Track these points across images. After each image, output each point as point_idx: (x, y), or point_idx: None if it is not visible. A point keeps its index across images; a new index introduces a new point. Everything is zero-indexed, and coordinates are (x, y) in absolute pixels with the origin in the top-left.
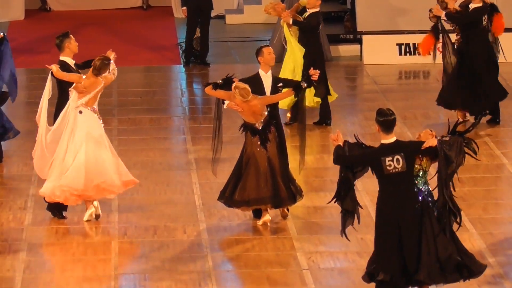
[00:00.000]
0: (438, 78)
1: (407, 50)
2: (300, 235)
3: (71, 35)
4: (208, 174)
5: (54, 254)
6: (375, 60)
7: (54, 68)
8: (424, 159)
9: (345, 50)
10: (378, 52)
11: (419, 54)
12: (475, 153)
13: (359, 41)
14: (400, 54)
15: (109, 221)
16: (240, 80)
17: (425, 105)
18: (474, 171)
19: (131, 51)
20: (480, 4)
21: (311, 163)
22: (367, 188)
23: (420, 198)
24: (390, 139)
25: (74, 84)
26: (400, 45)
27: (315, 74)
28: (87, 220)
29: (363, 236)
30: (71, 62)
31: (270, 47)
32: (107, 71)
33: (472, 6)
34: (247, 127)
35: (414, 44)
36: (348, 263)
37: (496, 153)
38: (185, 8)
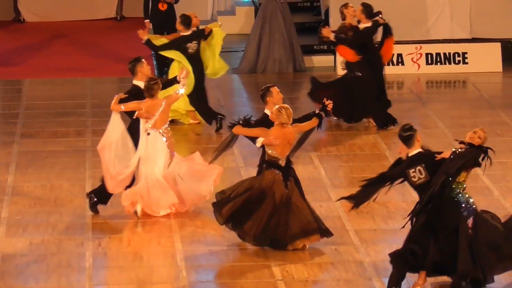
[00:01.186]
0: (412, 88)
1: None
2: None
3: (143, 60)
4: None
5: (28, 265)
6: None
7: (113, 103)
8: None
9: (319, 60)
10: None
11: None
12: (477, 164)
13: (333, 52)
14: None
15: (83, 231)
16: (255, 122)
17: (398, 116)
18: None
19: (105, 62)
20: (369, 24)
21: None
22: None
23: (461, 209)
24: (413, 151)
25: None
26: None
27: (329, 104)
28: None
29: (337, 247)
30: (142, 85)
31: (276, 87)
32: (158, 90)
33: (361, 26)
34: (271, 164)
35: None
36: (322, 273)
37: None
38: (148, 20)
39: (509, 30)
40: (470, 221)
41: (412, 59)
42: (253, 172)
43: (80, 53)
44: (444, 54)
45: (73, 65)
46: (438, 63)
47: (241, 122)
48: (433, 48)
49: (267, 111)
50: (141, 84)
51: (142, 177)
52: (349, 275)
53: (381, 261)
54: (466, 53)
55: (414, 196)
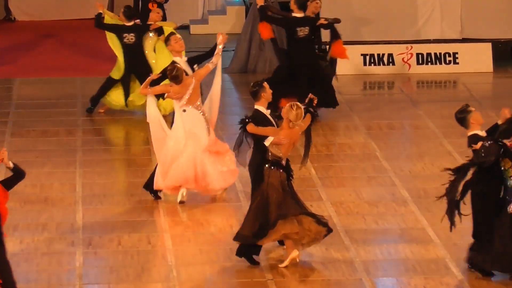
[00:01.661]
0: (403, 88)
1: (372, 61)
2: (265, 245)
3: (171, 37)
4: None
5: (19, 264)
6: (339, 70)
7: (142, 86)
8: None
9: None
10: (342, 63)
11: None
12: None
13: (324, 51)
14: (365, 64)
15: (73, 231)
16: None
17: (389, 116)
18: (439, 182)
19: (96, 62)
20: (298, 15)
21: None
22: (331, 199)
23: (506, 193)
24: (469, 133)
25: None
26: (364, 55)
27: (315, 99)
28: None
29: (328, 247)
30: (180, 61)
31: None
32: (182, 75)
33: (293, 15)
34: (274, 163)
35: (378, 55)
36: (312, 273)
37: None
38: (138, 20)
39: (499, 30)
40: (510, 207)
41: (402, 59)
42: (243, 170)
43: (71, 53)
44: (435, 54)
45: (63, 64)
46: (429, 63)
47: (250, 120)
48: (424, 48)
49: (259, 107)
50: (177, 59)
51: (191, 158)
52: (339, 275)
53: (372, 261)
54: (456, 53)
55: (404, 196)
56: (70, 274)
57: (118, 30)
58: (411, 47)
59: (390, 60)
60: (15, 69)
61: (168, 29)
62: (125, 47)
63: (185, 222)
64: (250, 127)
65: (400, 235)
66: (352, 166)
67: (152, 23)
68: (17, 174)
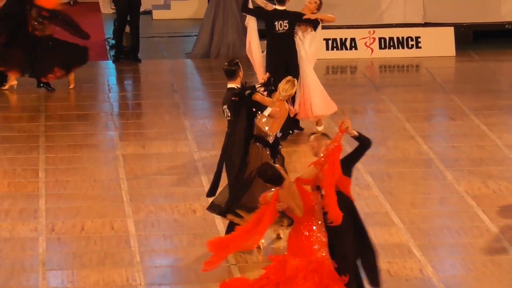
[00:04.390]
0: (366, 73)
1: (334, 45)
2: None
3: None
4: (136, 170)
5: None
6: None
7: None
8: None
9: None
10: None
11: None
12: None
13: None
14: (328, 49)
15: (36, 216)
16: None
17: (352, 100)
18: (402, 166)
19: None
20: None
21: None
22: None
23: None
24: None
25: None
26: (327, 40)
27: (271, 78)
28: None
29: None
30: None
31: None
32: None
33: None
34: (259, 139)
35: (341, 39)
36: None
37: (424, 148)
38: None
39: (462, 14)
40: None
41: (365, 43)
42: (206, 155)
43: None
44: (397, 38)
45: None
46: (391, 48)
47: (253, 90)
48: (386, 33)
49: (234, 86)
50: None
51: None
52: None
53: None
54: (419, 37)
55: (367, 180)
56: (33, 260)
57: None
58: (374, 32)
59: (353, 45)
60: None
61: None
62: None
63: (148, 208)
64: (258, 96)
65: (364, 219)
66: None
67: None
68: (363, 143)
